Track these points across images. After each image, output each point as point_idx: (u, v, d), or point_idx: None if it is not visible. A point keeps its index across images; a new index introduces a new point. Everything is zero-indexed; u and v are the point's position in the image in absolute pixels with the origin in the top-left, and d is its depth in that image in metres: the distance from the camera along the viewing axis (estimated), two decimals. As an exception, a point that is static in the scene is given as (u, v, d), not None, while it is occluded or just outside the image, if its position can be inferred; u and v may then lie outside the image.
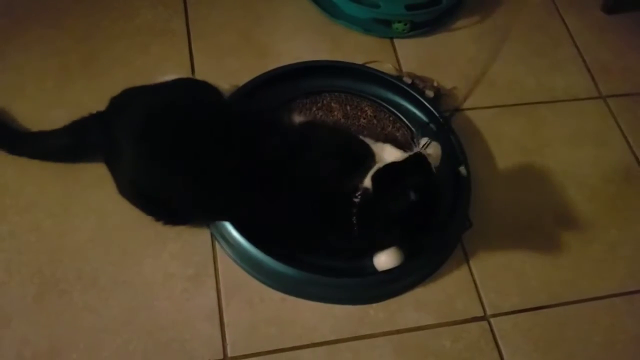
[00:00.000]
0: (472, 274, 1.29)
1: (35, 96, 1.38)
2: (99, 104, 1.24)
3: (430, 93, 1.51)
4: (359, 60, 1.54)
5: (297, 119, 1.27)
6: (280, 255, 1.20)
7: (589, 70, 1.68)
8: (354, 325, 1.20)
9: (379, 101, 1.48)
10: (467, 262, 1.30)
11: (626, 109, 1.61)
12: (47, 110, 1.35)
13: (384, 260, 1.22)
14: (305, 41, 1.60)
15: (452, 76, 1.58)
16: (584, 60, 1.69)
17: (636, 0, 1.81)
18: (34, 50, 1.45)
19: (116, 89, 1.25)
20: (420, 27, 1.64)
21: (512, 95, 1.59)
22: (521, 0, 1.79)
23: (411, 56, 1.61)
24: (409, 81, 1.52)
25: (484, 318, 1.24)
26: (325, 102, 1.46)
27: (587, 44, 1.72)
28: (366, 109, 1.47)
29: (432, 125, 1.42)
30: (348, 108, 1.46)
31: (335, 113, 1.45)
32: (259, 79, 1.43)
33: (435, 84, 1.54)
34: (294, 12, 1.65)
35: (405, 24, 1.61)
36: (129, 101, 1.22)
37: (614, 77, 1.67)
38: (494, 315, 1.25)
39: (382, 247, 1.22)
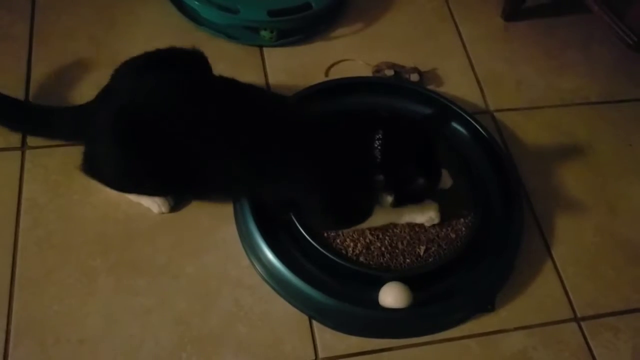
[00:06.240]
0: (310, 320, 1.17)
1: None
2: None
3: (415, 77, 1.45)
4: (222, 69, 1.38)
5: None
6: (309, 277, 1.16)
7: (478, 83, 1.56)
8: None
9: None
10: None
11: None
12: None
13: (390, 301, 1.15)
14: (164, 49, 1.46)
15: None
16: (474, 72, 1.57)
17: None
18: None
19: None
20: (291, 35, 1.51)
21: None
22: (412, 6, 1.67)
23: (280, 66, 1.48)
24: (390, 73, 1.44)
25: (315, 361, 1.12)
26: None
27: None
28: None
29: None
30: None
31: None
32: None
33: (413, 65, 1.48)
34: (154, 17, 1.52)
35: (272, 32, 1.48)
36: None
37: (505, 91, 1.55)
38: (328, 358, 1.12)
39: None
